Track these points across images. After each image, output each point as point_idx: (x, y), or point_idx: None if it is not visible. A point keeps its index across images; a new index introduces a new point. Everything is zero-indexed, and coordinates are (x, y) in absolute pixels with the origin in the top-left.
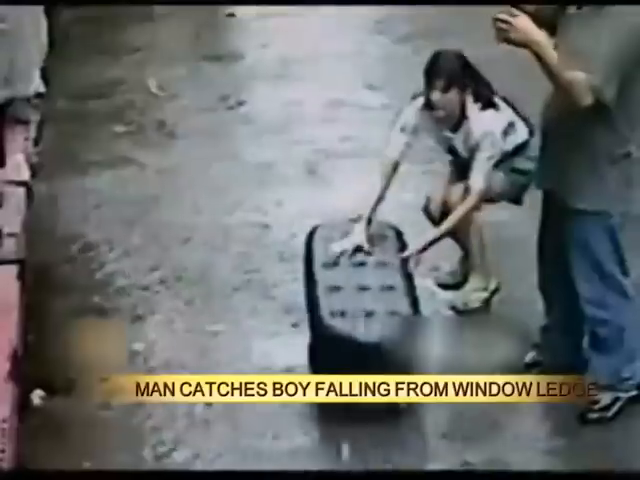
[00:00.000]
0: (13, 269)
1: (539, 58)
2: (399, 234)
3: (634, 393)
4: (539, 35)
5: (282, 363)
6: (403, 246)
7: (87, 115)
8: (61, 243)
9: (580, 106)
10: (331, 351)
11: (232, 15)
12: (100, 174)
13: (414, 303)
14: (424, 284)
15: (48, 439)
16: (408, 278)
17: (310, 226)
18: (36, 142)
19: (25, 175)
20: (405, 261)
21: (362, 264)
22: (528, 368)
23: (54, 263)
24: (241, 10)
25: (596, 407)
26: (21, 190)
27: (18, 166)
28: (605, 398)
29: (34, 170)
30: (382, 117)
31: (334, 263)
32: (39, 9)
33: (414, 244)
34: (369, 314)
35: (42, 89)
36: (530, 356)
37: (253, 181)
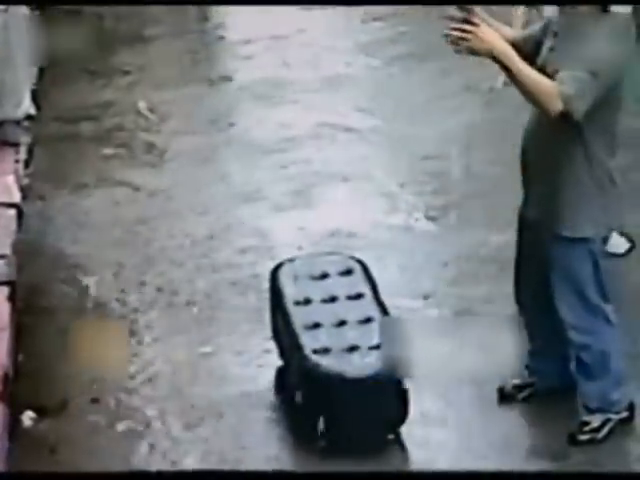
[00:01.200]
0: (4, 290)
1: (505, 67)
2: (364, 266)
3: (625, 415)
4: (503, 45)
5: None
6: (370, 278)
7: (77, 137)
8: (51, 264)
9: (550, 114)
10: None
11: (222, 38)
12: (90, 195)
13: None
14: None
15: (38, 461)
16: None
17: (299, 248)
18: (26, 164)
19: (16, 197)
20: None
21: (334, 299)
22: (519, 390)
23: (44, 284)
24: (230, 34)
25: (587, 429)
26: (11, 212)
27: (8, 188)
28: (595, 420)
29: (24, 192)
30: (372, 140)
31: (306, 301)
32: (29, 32)
33: None
34: (353, 349)
35: (32, 111)
36: (521, 378)
37: (242, 203)
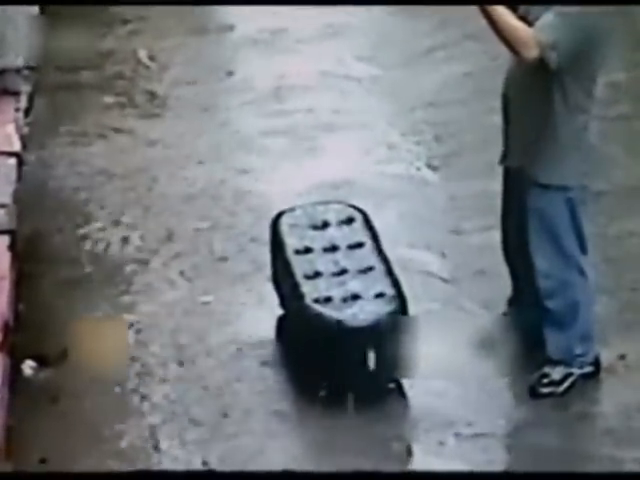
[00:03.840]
0: (4, 239)
1: (483, 9)
2: (365, 216)
3: (588, 370)
4: None
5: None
6: (372, 228)
7: (78, 86)
8: (52, 213)
9: (526, 61)
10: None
11: None
12: (90, 144)
13: (395, 284)
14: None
15: (39, 411)
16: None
17: (300, 196)
18: (27, 113)
19: (16, 146)
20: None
21: (335, 248)
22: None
23: (45, 233)
24: None
25: (546, 381)
26: (12, 161)
27: (9, 137)
28: (556, 373)
29: (25, 141)
30: (373, 89)
31: (307, 250)
32: None
33: None
34: (354, 298)
35: (33, 60)
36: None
37: (243, 151)
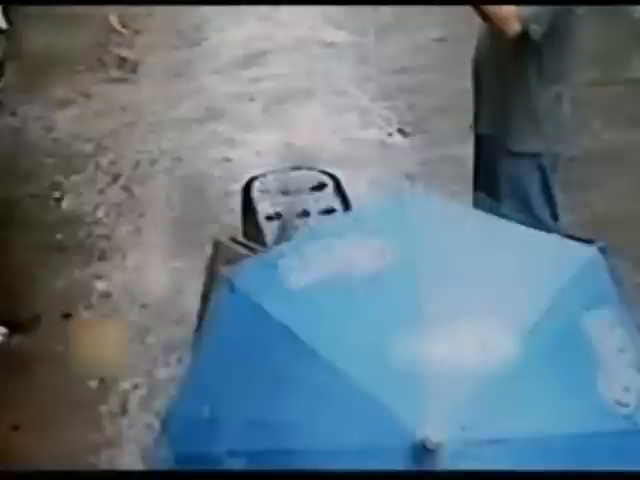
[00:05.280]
0: None
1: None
2: (337, 181)
3: None
4: None
5: None
6: (343, 194)
7: (49, 51)
8: (24, 178)
9: (508, 36)
10: None
11: None
12: (62, 110)
13: None
14: None
15: (11, 377)
16: None
17: (272, 161)
18: None
19: None
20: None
21: (306, 214)
22: None
23: (17, 199)
24: None
25: None
26: None
27: None
28: None
29: None
30: (344, 54)
31: (278, 216)
32: None
33: None
34: None
35: (3, 25)
36: None
37: (215, 117)
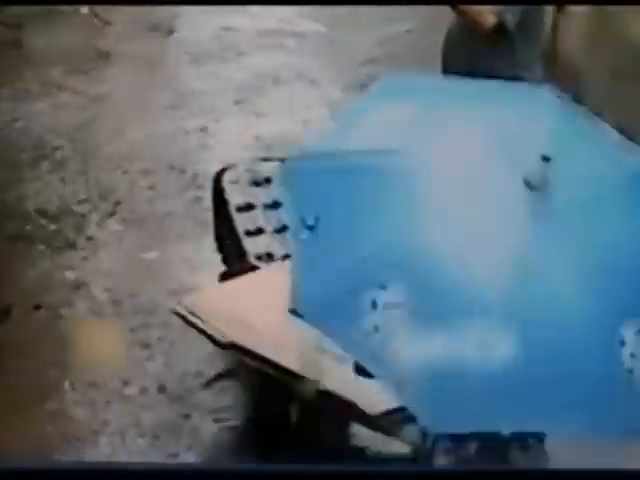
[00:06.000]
0: None
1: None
2: None
3: None
4: None
5: None
6: None
7: (19, 42)
8: None
9: (483, 29)
10: None
11: None
12: (33, 101)
13: None
14: None
15: None
16: None
17: (242, 152)
18: None
19: None
20: None
21: (277, 205)
22: None
23: None
24: None
25: None
26: None
27: None
28: None
29: None
30: (315, 45)
31: (249, 206)
32: None
33: None
34: None
35: None
36: None
37: (186, 107)
